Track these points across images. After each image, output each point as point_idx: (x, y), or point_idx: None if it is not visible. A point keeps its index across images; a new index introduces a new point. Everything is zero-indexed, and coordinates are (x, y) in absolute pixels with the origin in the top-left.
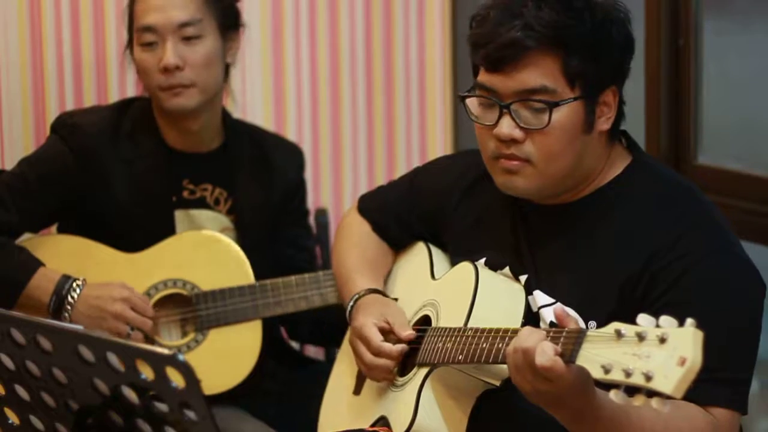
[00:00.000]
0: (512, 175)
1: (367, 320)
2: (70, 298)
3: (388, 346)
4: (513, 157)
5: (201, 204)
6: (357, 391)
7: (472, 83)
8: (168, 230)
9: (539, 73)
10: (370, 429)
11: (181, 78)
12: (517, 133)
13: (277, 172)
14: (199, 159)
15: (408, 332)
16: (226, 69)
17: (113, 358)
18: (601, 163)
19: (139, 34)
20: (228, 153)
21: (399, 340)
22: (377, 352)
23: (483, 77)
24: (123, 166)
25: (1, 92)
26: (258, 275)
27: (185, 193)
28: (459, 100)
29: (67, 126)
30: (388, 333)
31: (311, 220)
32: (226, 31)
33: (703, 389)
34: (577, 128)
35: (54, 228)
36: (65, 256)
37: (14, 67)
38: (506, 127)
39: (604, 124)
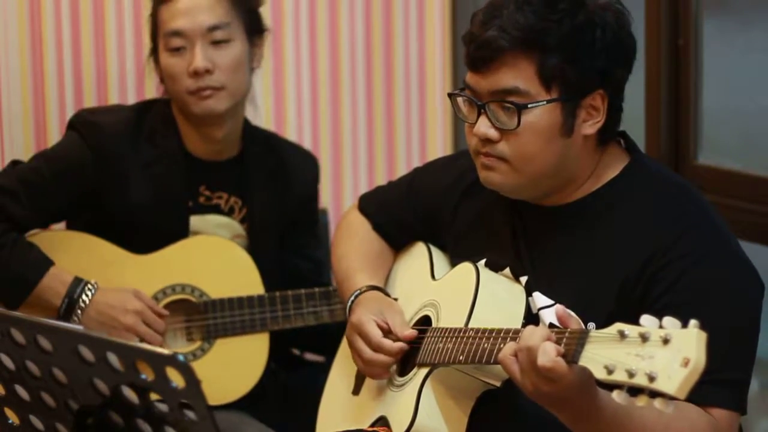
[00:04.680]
0: (489, 171)
1: (367, 316)
2: (81, 302)
3: (389, 343)
4: (489, 155)
5: (215, 211)
6: (356, 391)
7: None
8: (181, 235)
9: (513, 75)
10: (370, 429)
11: (210, 81)
12: (492, 133)
13: (292, 181)
14: (217, 166)
15: (408, 331)
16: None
17: (113, 358)
18: (589, 166)
19: (166, 40)
20: (245, 162)
21: (399, 340)
22: (377, 348)
23: (467, 76)
24: (141, 168)
25: (1, 94)
26: (267, 285)
27: (201, 199)
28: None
29: (87, 124)
30: (386, 333)
31: None
32: (252, 36)
33: (703, 390)
34: (554, 130)
35: (62, 224)
36: (74, 254)
37: (14, 68)
38: (482, 126)
39: (589, 128)
